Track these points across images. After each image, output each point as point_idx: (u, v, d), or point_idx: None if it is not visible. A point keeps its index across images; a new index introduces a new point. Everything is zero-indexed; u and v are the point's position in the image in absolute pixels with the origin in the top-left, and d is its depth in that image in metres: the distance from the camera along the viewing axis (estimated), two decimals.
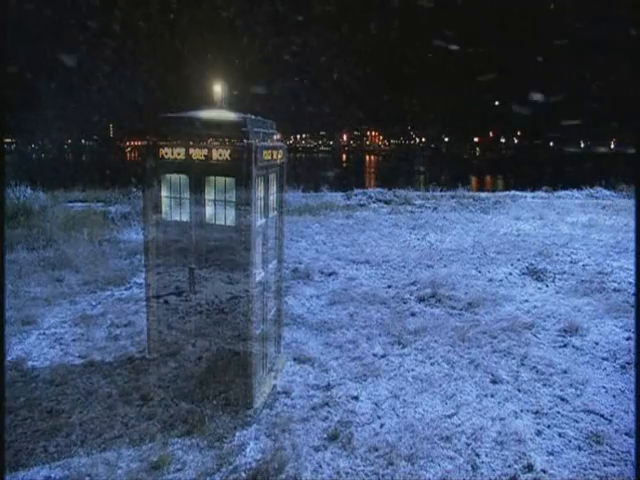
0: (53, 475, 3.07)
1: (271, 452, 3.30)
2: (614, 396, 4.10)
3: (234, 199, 3.55)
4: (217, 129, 3.62)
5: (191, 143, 3.57)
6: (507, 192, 17.67)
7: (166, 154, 3.61)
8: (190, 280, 3.70)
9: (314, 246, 9.15)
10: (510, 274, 7.51)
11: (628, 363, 4.64)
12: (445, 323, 5.59)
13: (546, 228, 11.01)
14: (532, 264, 7.77)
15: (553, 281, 7.15)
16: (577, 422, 3.75)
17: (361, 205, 14.43)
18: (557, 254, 8.55)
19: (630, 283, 6.84)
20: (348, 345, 5.00)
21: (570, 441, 3.52)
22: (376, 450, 3.36)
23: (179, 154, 3.58)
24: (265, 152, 3.70)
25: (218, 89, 3.85)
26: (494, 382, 4.32)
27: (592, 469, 3.23)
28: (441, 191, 16.84)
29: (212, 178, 3.61)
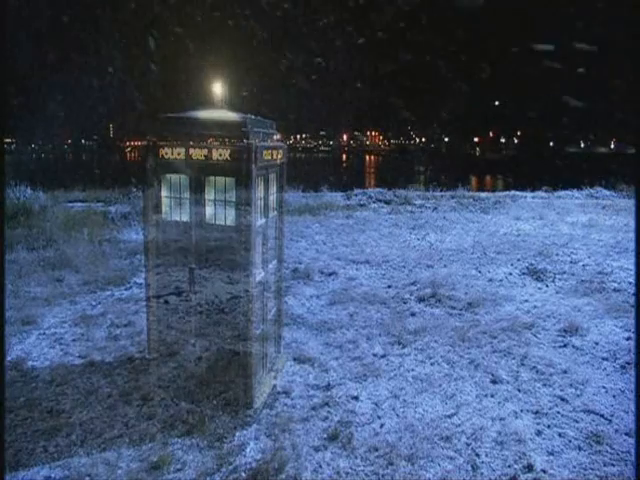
0: (53, 475, 3.07)
1: (271, 452, 3.30)
2: (614, 396, 4.10)
3: (234, 199, 3.55)
4: (217, 129, 3.62)
5: (191, 143, 3.57)
6: (507, 192, 17.66)
7: (166, 154, 3.61)
8: (190, 280, 3.70)
9: (314, 246, 9.15)
10: (510, 274, 7.51)
11: (628, 363, 4.64)
12: (445, 323, 5.59)
13: (546, 228, 11.00)
14: (532, 264, 7.78)
15: (553, 281, 7.15)
16: (577, 422, 3.75)
17: (361, 205, 14.43)
18: (557, 254, 8.55)
19: (630, 283, 6.84)
20: (348, 345, 5.00)
21: (570, 441, 3.52)
22: (376, 450, 3.36)
23: (179, 154, 3.58)
24: (265, 152, 3.70)
25: (218, 89, 3.85)
26: (494, 382, 4.32)
27: (592, 469, 3.23)
28: (441, 191, 16.83)
29: (212, 178, 3.61)
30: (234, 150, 3.49)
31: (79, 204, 13.30)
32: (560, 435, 3.59)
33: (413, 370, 4.52)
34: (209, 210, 3.65)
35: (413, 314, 5.88)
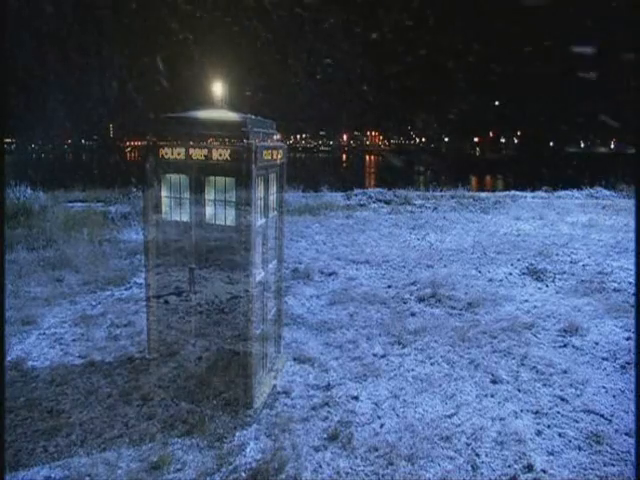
0: (53, 475, 3.07)
1: (271, 452, 3.30)
2: (614, 396, 4.10)
3: (234, 199, 3.55)
4: (217, 129, 3.62)
5: (191, 143, 3.57)
6: (507, 192, 17.66)
7: (166, 154, 3.61)
8: (190, 280, 3.70)
9: (314, 246, 9.15)
10: (510, 274, 7.51)
11: (628, 363, 4.64)
12: (445, 323, 5.59)
13: (546, 228, 11.01)
14: (532, 264, 7.78)
15: (553, 281, 7.15)
16: (577, 422, 3.75)
17: (361, 205, 14.43)
18: (557, 254, 8.55)
19: (630, 283, 6.84)
20: (348, 345, 5.00)
21: (570, 441, 3.52)
22: (376, 450, 3.36)
23: (179, 154, 3.58)
24: (265, 152, 3.70)
25: (218, 89, 3.85)
26: (494, 382, 4.32)
27: (592, 469, 3.23)
28: (441, 191, 16.84)
29: (212, 178, 3.61)
30: (234, 150, 3.49)
31: (79, 204, 13.30)
32: (560, 435, 3.59)
33: (413, 370, 4.52)
34: (209, 210, 3.65)
35: (413, 314, 5.88)
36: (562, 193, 16.78)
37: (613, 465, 3.26)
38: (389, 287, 6.88)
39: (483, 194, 16.99)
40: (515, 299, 6.39)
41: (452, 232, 10.58)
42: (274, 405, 3.88)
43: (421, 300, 6.34)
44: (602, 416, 3.82)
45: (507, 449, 3.41)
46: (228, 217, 3.61)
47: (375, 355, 4.81)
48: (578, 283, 6.96)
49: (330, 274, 7.36)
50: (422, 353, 4.86)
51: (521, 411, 3.89)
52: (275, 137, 4.20)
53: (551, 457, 3.35)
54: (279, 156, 4.09)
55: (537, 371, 4.52)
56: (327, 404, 3.91)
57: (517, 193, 17.02)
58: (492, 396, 4.10)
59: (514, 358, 4.76)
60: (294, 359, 4.67)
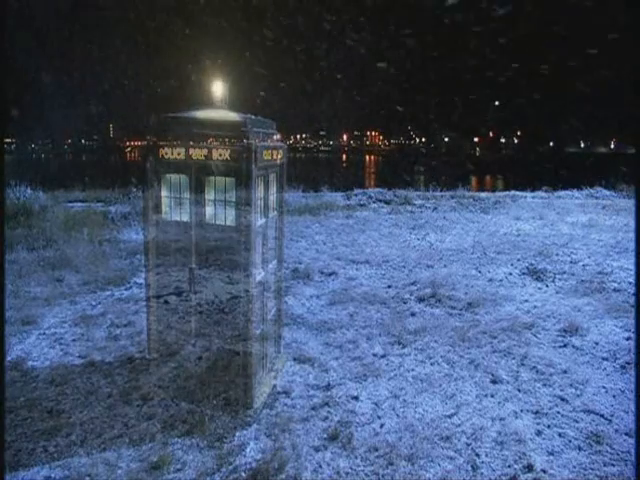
0: (53, 475, 3.07)
1: (271, 452, 3.30)
2: (614, 396, 4.10)
3: (234, 199, 3.55)
4: (217, 129, 3.62)
5: (191, 143, 3.57)
6: (507, 192, 17.66)
7: (166, 154, 3.61)
8: (190, 280, 3.70)
9: (314, 246, 9.15)
10: (510, 274, 7.51)
11: (628, 363, 4.64)
12: (445, 323, 5.59)
13: (546, 228, 11.01)
14: (532, 264, 7.78)
15: (553, 281, 7.15)
16: (577, 422, 3.75)
17: (361, 205, 14.43)
18: (557, 254, 8.55)
19: (630, 283, 6.84)
20: (348, 345, 5.00)
21: (570, 441, 3.52)
22: (376, 450, 3.36)
23: (179, 154, 3.58)
24: (265, 152, 3.70)
25: (218, 89, 3.85)
26: (494, 382, 4.32)
27: (592, 469, 3.23)
28: (441, 191, 16.83)
29: (212, 178, 3.61)
30: (234, 150, 3.49)
31: (79, 204, 13.29)
32: (560, 435, 3.59)
33: (413, 370, 4.52)
34: (209, 210, 3.65)
35: (413, 314, 5.88)
36: (562, 193, 16.78)
37: (613, 465, 3.26)
38: (389, 287, 6.88)
39: (483, 194, 17.00)
40: (515, 299, 6.39)
41: (452, 232, 10.58)
42: (274, 405, 3.88)
43: (421, 300, 6.34)
44: (602, 416, 3.82)
45: (507, 449, 3.41)
46: (228, 217, 3.61)
47: (375, 355, 4.81)
48: (578, 283, 6.96)
49: (330, 274, 7.36)
50: (422, 353, 4.86)
51: (521, 411, 3.89)
52: (275, 137, 4.20)
53: (551, 457, 3.35)
54: (279, 156, 4.09)
55: (537, 371, 4.52)
56: (327, 404, 3.91)
57: (517, 193, 17.02)
58: (492, 396, 4.10)
59: (514, 358, 4.76)
60: (294, 359, 4.67)
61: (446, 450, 3.38)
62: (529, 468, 3.21)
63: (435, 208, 13.88)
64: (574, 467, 3.25)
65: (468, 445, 3.44)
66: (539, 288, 6.89)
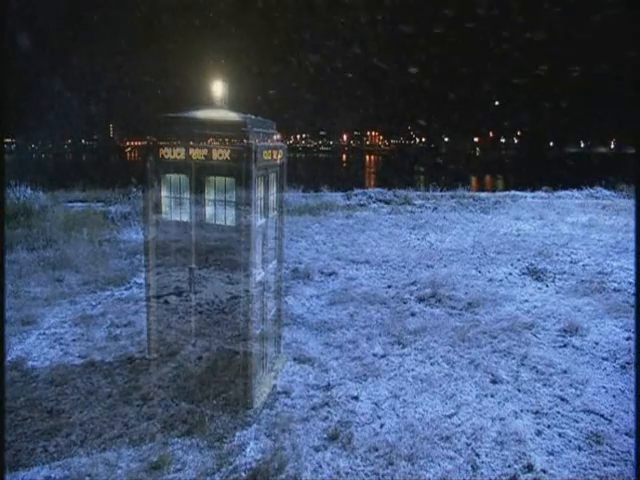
0: (53, 475, 3.07)
1: (271, 452, 3.30)
2: (614, 396, 4.10)
3: (234, 199, 3.55)
4: (217, 129, 3.62)
5: (191, 143, 3.57)
6: (507, 192, 17.66)
7: (166, 154, 3.60)
8: (190, 280, 3.70)
9: (314, 246, 9.15)
10: (510, 274, 7.51)
11: (628, 363, 4.64)
12: (445, 323, 5.59)
13: (546, 228, 11.01)
14: (532, 264, 7.77)
15: (553, 281, 7.15)
16: (577, 422, 3.75)
17: (361, 205, 14.43)
18: (557, 254, 8.55)
19: (630, 283, 6.84)
20: (348, 345, 5.00)
21: (570, 441, 3.52)
22: (376, 450, 3.36)
23: (179, 154, 3.58)
24: (265, 152, 3.70)
25: (218, 89, 3.85)
26: (494, 382, 4.32)
27: (592, 469, 3.23)
28: (441, 191, 16.83)
29: (212, 178, 3.61)
30: (234, 150, 3.49)
31: (79, 204, 13.30)
32: (560, 435, 3.59)
33: (413, 370, 4.52)
34: (209, 210, 3.65)
35: (413, 314, 5.88)
36: (562, 193, 16.78)
37: (613, 465, 3.26)
38: (389, 287, 6.87)
39: (483, 194, 17.00)
40: (515, 299, 6.39)
41: (452, 232, 10.58)
42: (274, 405, 3.88)
43: (421, 300, 6.34)
44: (602, 416, 3.82)
45: (507, 449, 3.41)
46: (228, 217, 3.61)
47: (375, 355, 4.81)
48: (578, 283, 6.96)
49: (330, 274, 7.36)
50: (422, 353, 4.86)
51: (521, 411, 3.89)
52: (275, 137, 4.20)
53: (551, 457, 3.35)
54: (279, 156, 4.09)
55: (537, 371, 4.52)
56: (327, 404, 3.91)
57: (517, 193, 17.02)
58: (492, 396, 4.10)
59: (514, 358, 4.76)
60: (294, 359, 4.67)
61: (446, 450, 3.38)
62: (529, 468, 3.21)
63: (435, 208, 13.88)
64: (574, 467, 3.25)
65: (468, 445, 3.44)
66: (539, 288, 6.89)
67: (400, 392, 4.13)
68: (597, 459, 3.33)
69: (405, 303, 6.25)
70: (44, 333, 5.16)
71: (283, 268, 4.60)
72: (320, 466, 3.20)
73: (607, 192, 16.32)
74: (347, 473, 3.15)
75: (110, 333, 5.19)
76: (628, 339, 5.14)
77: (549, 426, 3.69)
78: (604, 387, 4.25)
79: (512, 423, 3.70)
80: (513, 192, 17.30)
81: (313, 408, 3.86)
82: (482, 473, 3.18)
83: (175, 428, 3.54)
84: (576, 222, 11.51)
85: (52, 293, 6.25)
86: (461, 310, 6.02)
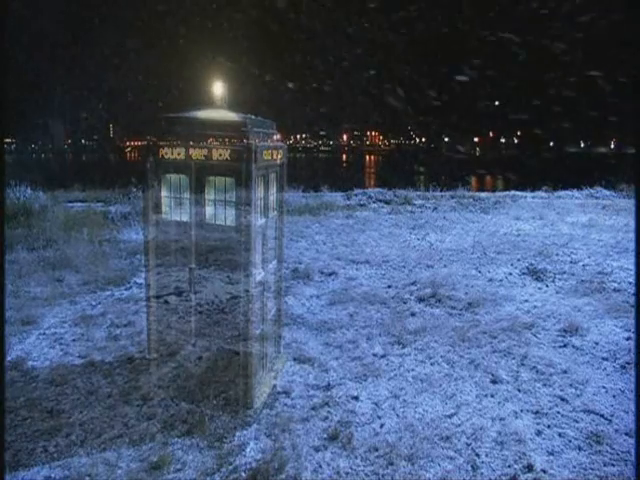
0: (53, 475, 3.07)
1: (271, 452, 3.30)
2: (614, 396, 4.10)
3: (234, 199, 3.55)
4: (217, 129, 3.62)
5: (191, 143, 3.57)
6: (507, 192, 17.66)
7: (166, 154, 3.61)
8: (190, 280, 3.70)
9: (314, 246, 9.15)
10: (510, 274, 7.51)
11: (628, 363, 4.64)
12: (445, 323, 5.59)
13: (546, 228, 11.01)
14: (532, 264, 7.77)
15: (553, 281, 7.15)
16: (577, 422, 3.75)
17: (361, 205, 14.43)
18: (557, 254, 8.55)
19: (630, 283, 6.84)
20: (348, 345, 5.00)
21: (570, 441, 3.52)
22: (376, 450, 3.36)
23: (179, 154, 3.58)
24: (265, 152, 3.70)
25: (218, 89, 3.85)
26: (494, 382, 4.32)
27: (592, 469, 3.24)
28: (441, 191, 16.83)
29: (212, 178, 3.61)
30: (234, 150, 3.49)
31: (79, 204, 13.30)
32: (560, 435, 3.59)
33: (413, 370, 4.52)
34: (209, 210, 3.65)
35: (413, 314, 5.88)
36: (562, 193, 16.78)
37: (613, 465, 3.27)
38: (389, 287, 6.87)
39: (483, 194, 17.00)
40: (515, 299, 6.39)
41: (452, 232, 10.59)
42: (274, 405, 3.88)
43: (421, 300, 6.34)
44: (602, 416, 3.82)
45: (507, 449, 3.41)
46: (228, 217, 3.61)
47: (375, 355, 4.81)
48: (578, 283, 6.96)
49: (330, 274, 7.36)
50: (422, 353, 4.86)
51: (521, 411, 3.89)
52: (275, 137, 4.20)
53: (551, 457, 3.35)
54: (279, 156, 4.09)
55: (537, 371, 4.52)
56: (327, 404, 3.91)
57: (517, 193, 17.02)
58: (492, 396, 4.10)
59: (514, 358, 4.76)
60: (294, 359, 4.67)
61: (446, 450, 3.38)
62: (529, 468, 3.21)
63: (435, 208, 13.88)
64: (574, 467, 3.25)
65: (468, 445, 3.44)
66: (539, 288, 6.89)
67: (400, 392, 4.13)
68: (597, 459, 3.33)
69: (405, 303, 6.25)
70: (44, 333, 5.16)
71: (283, 268, 4.60)
72: (320, 466, 3.20)
73: (607, 192, 16.32)
74: (347, 473, 3.15)
75: (110, 333, 5.19)
76: (628, 339, 5.14)
77: (549, 426, 3.70)
78: (604, 387, 4.25)
79: (512, 423, 3.70)
80: (513, 192, 17.29)
81: (313, 408, 3.86)
82: (482, 473, 3.18)
83: (175, 428, 3.54)
84: (576, 222, 11.52)
85: (52, 293, 6.25)
86: (461, 310, 6.02)
